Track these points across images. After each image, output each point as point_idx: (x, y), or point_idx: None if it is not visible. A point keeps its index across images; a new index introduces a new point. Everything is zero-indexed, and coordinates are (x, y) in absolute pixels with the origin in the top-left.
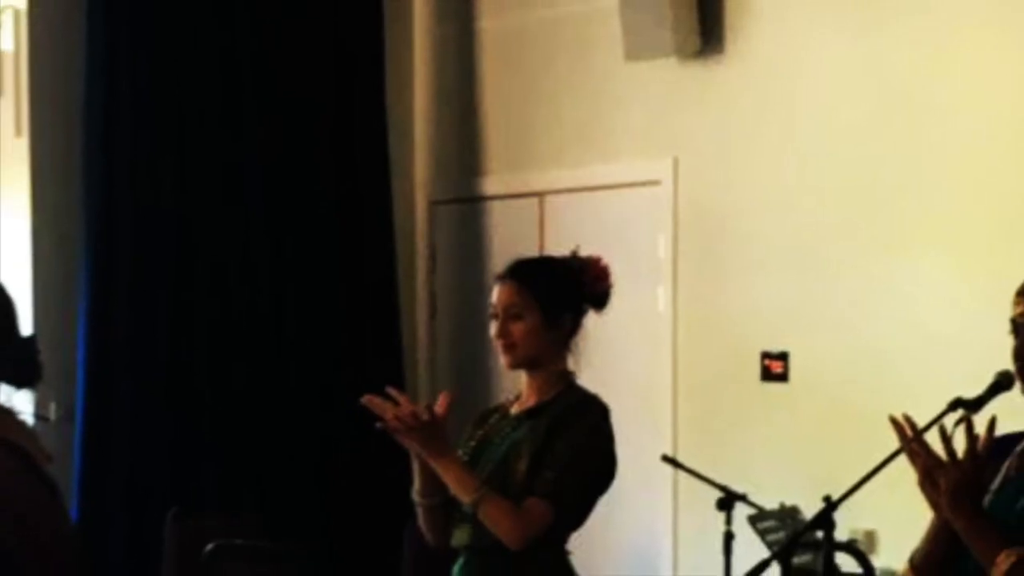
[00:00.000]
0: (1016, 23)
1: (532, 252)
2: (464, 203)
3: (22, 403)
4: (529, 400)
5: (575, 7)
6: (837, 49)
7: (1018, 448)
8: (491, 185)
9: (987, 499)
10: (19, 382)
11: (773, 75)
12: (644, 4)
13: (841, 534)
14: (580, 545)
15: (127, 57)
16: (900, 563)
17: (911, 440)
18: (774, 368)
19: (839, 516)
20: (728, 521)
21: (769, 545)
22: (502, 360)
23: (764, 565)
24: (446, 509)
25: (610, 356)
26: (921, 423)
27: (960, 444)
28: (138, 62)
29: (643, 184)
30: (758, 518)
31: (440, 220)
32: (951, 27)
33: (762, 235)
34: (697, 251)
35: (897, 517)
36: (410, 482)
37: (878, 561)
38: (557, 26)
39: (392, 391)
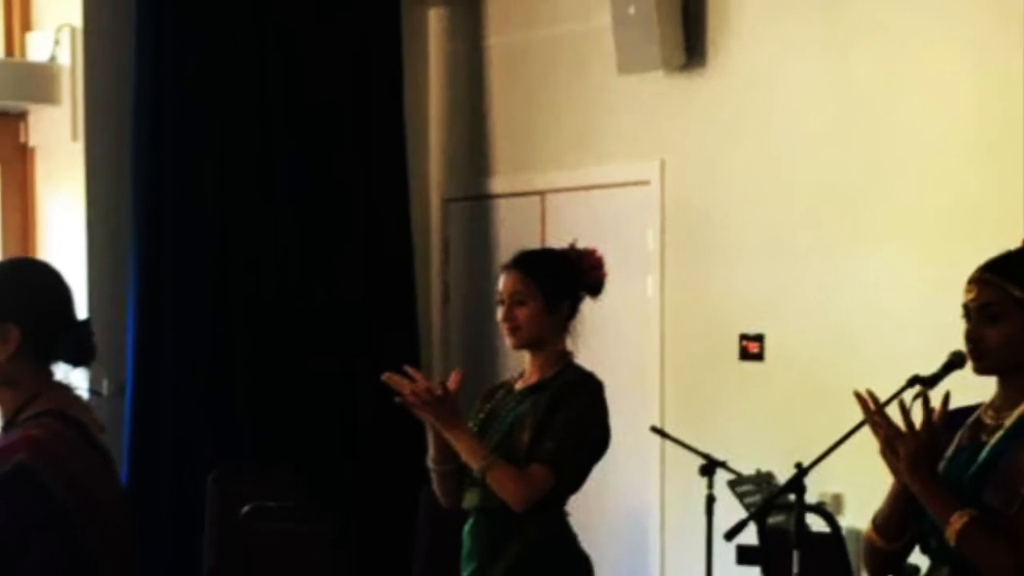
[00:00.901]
0: (963, 41)
1: (534, 245)
2: (474, 201)
3: (79, 380)
4: (532, 377)
5: (573, 26)
6: (807, 64)
7: (969, 420)
8: (498, 184)
9: (942, 465)
10: (76, 361)
11: (750, 86)
12: (634, 23)
13: (811, 497)
14: (577, 507)
15: (171, 69)
16: (864, 523)
17: (874, 413)
18: (751, 348)
19: (809, 481)
20: (710, 485)
21: (747, 507)
22: (508, 341)
23: (742, 525)
24: (458, 475)
25: (604, 338)
26: (883, 398)
27: (917, 416)
28: (181, 74)
29: (633, 184)
30: (737, 483)
31: (452, 216)
32: (906, 45)
33: (740, 229)
34: (682, 244)
35: (861, 481)
36: (425, 450)
37: (844, 521)
38: (556, 43)
39: (409, 369)
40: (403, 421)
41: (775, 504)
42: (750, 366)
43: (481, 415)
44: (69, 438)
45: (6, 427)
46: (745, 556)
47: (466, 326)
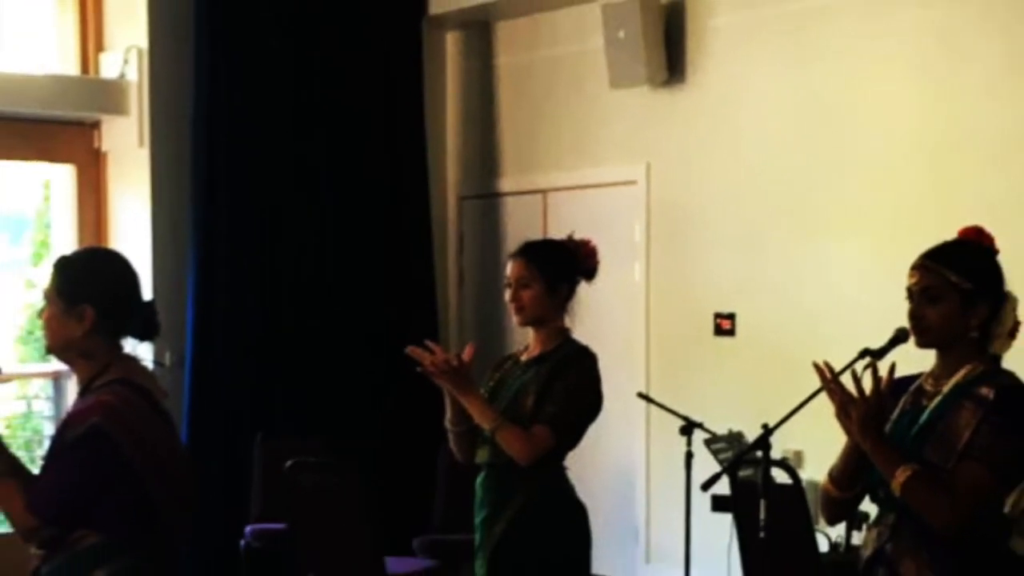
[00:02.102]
0: (908, 62)
1: (537, 236)
2: (485, 198)
3: (145, 353)
4: (535, 350)
5: (570, 47)
6: (772, 80)
7: (912, 387)
8: (505, 184)
9: (888, 426)
10: (142, 336)
11: (723, 100)
12: (624, 45)
13: (775, 453)
14: (574, 463)
15: (224, 84)
16: (821, 476)
17: (830, 381)
18: (724, 325)
19: (774, 439)
20: (688, 443)
21: (720, 462)
22: (514, 319)
23: (716, 477)
24: (471, 434)
25: (598, 316)
26: (837, 368)
27: (867, 384)
28: (232, 88)
29: (623, 184)
30: (711, 441)
31: (466, 211)
32: (859, 64)
33: (715, 223)
34: (664, 236)
35: (819, 440)
36: (443, 413)
37: (804, 474)
38: (556, 62)
39: (429, 343)
40: (424, 388)
41: (745, 459)
42: (723, 341)
43: (491, 383)
44: (136, 403)
45: (82, 393)
46: (719, 504)
47: (478, 306)
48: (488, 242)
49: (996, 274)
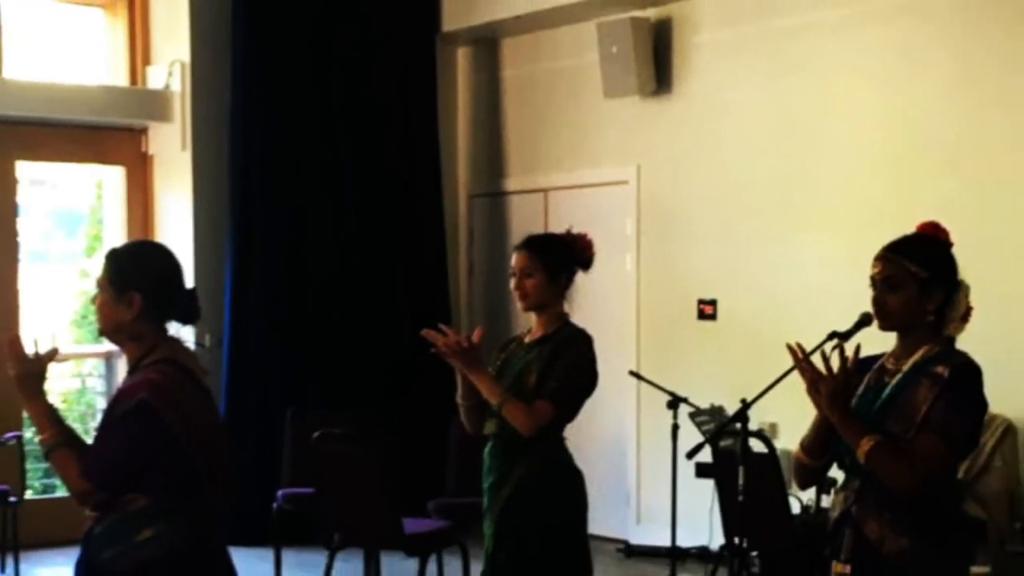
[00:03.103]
0: (873, 74)
1: (539, 230)
2: (492, 196)
3: (187, 335)
4: (537, 333)
5: (569, 61)
6: (750, 91)
7: (875, 366)
8: (511, 184)
9: (854, 401)
10: (185, 320)
11: (706, 108)
12: (616, 59)
13: (752, 425)
14: (573, 433)
15: (257, 95)
16: (794, 445)
17: (801, 360)
18: (706, 310)
19: (751, 412)
20: (675, 417)
21: (703, 433)
22: (518, 305)
23: (699, 447)
24: (479, 408)
25: (594, 302)
26: (808, 349)
27: (835, 363)
28: (265, 98)
29: (616, 183)
30: (695, 414)
31: (476, 208)
32: (829, 77)
33: (698, 219)
34: (653, 230)
35: (792, 413)
36: (454, 389)
37: (779, 444)
38: (556, 74)
39: (442, 327)
40: (437, 367)
41: (725, 431)
42: (706, 324)
43: (498, 362)
44: (180, 380)
45: (131, 372)
46: (702, 471)
47: (486, 293)
48: (495, 236)
49: (950, 264)
